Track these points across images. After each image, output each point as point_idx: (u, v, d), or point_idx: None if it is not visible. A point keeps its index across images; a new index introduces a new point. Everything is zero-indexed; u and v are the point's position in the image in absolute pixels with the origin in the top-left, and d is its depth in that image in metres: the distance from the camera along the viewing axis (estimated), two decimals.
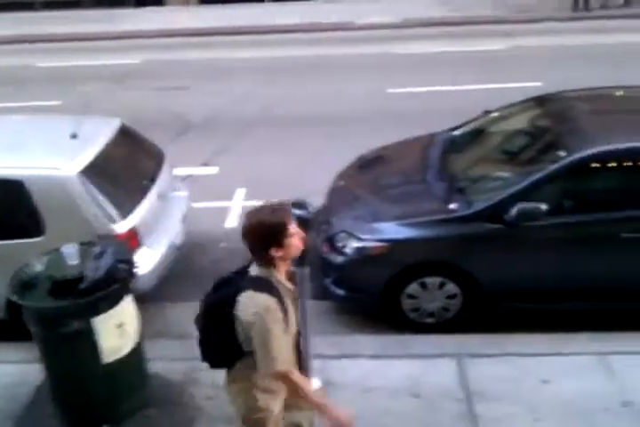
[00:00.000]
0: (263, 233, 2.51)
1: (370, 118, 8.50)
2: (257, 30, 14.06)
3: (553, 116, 5.30)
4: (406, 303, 4.64)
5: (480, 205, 4.48)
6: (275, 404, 2.78)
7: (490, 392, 3.92)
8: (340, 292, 4.74)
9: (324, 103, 9.36)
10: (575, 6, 14.14)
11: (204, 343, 2.77)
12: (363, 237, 4.60)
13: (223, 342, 2.64)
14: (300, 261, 3.63)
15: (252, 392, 2.71)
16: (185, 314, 4.74)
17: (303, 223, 2.92)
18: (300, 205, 3.39)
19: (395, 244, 4.53)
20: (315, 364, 3.98)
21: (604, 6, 14.21)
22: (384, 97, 9.56)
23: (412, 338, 4.51)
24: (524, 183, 4.42)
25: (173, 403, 3.93)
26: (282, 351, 2.56)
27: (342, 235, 4.69)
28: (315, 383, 3.35)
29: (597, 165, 4.47)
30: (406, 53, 11.80)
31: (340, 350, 4.33)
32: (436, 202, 4.73)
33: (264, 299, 2.51)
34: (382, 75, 10.54)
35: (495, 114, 5.71)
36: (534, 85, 8.55)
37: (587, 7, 14.08)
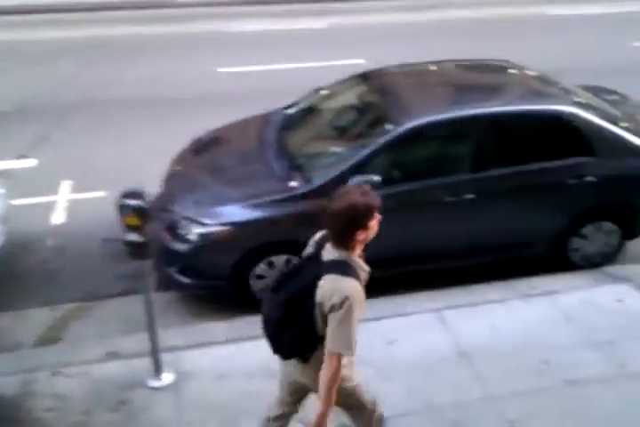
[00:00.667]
0: (355, 215, 2.49)
1: (202, 99, 8.29)
2: (73, 7, 13.05)
3: (378, 91, 5.51)
4: (255, 284, 4.64)
5: (318, 181, 4.56)
6: (352, 373, 2.80)
7: None
8: (187, 280, 4.61)
9: (153, 85, 8.98)
10: None
11: (277, 336, 2.66)
12: (205, 221, 4.49)
13: (301, 330, 2.58)
14: (142, 253, 3.47)
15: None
16: (18, 323, 4.38)
17: (141, 214, 2.76)
18: (134, 194, 3.20)
19: (239, 226, 4.48)
20: (167, 357, 3.87)
21: None
22: (215, 77, 9.38)
23: None
24: (358, 157, 4.57)
25: (8, 421, 3.57)
26: (354, 336, 2.49)
27: (184, 222, 4.55)
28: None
29: (421, 135, 4.72)
30: (233, 32, 11.66)
31: (192, 340, 4.23)
32: (276, 181, 4.73)
33: (350, 282, 2.48)
34: (211, 54, 10.33)
35: (325, 91, 5.82)
36: (358, 62, 8.87)
37: None
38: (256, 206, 4.54)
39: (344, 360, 2.55)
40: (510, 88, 5.67)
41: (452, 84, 5.73)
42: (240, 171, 5.04)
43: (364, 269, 2.64)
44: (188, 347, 4.17)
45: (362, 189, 2.61)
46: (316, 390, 2.69)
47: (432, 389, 3.81)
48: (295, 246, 4.50)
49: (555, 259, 5.14)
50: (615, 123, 5.04)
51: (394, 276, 4.85)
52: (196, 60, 10.06)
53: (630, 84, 6.65)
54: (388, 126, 4.72)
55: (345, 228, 2.52)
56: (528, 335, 4.29)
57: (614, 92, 6.08)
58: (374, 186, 4.42)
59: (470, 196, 4.68)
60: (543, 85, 5.56)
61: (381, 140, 4.62)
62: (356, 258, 2.61)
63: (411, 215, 4.71)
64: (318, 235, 2.79)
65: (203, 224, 4.49)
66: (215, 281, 4.62)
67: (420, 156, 4.94)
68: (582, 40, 11.21)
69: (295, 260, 4.56)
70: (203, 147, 5.56)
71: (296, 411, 3.08)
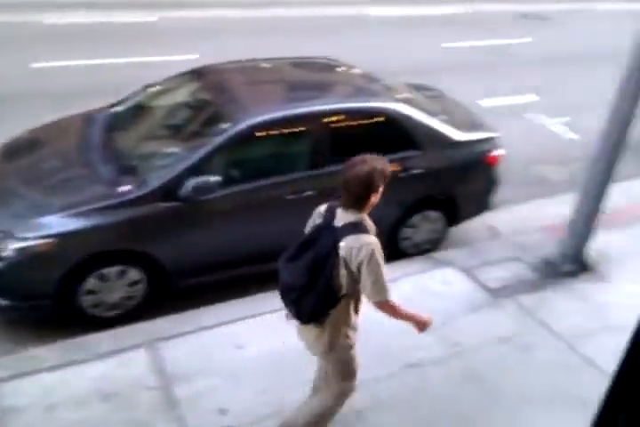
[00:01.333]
0: (373, 179, 2.79)
1: (14, 98, 7.45)
2: None
3: (212, 88, 5.29)
4: (85, 300, 4.23)
5: (153, 184, 4.26)
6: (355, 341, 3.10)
7: (187, 371, 3.85)
8: (4, 302, 4.08)
9: None
10: None
11: (301, 301, 2.86)
12: (24, 235, 3.99)
13: (323, 294, 2.81)
14: None
15: (344, 332, 2.99)
16: None
17: None
18: None
19: (63, 238, 4.03)
20: None
21: None
22: (30, 73, 8.52)
23: (96, 336, 4.13)
24: (194, 157, 4.34)
25: None
26: (387, 282, 2.82)
27: None
28: None
29: (258, 134, 4.59)
30: (50, 24, 10.71)
31: (15, 370, 3.75)
32: (105, 186, 4.34)
33: (370, 238, 2.81)
34: (25, 47, 9.37)
35: (155, 88, 5.48)
36: (191, 58, 8.55)
37: None
38: (81, 215, 4.11)
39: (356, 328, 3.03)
40: (339, 86, 5.76)
41: (284, 82, 5.68)
42: (61, 177, 4.55)
43: (373, 228, 2.94)
44: (11, 377, 3.69)
45: (373, 155, 2.90)
46: (324, 357, 3.10)
47: (283, 390, 3.72)
48: (128, 255, 4.27)
49: (388, 248, 5.29)
50: (435, 117, 5.30)
51: (245, 276, 4.71)
52: (6, 54, 9.06)
53: (444, 81, 7.08)
54: (225, 125, 4.54)
55: (364, 191, 2.82)
56: (370, 322, 4.35)
57: (432, 89, 6.41)
58: (213, 187, 4.28)
59: (310, 193, 4.65)
60: (368, 83, 5.69)
61: (218, 139, 4.43)
62: (367, 219, 2.92)
63: (255, 214, 4.60)
64: (322, 207, 3.07)
65: (20, 238, 3.98)
66: (38, 301, 4.14)
67: (259, 154, 4.82)
68: (400, 41, 11.78)
69: (128, 269, 4.28)
70: (15, 151, 4.97)
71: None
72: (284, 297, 2.94)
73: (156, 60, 9.09)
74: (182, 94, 5.30)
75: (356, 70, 5.89)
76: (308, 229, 3.10)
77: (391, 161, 4.91)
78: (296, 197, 4.63)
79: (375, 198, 2.87)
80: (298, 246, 2.92)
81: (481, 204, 5.65)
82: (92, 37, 10.13)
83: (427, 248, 5.49)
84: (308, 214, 4.78)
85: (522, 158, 6.89)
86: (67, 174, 4.55)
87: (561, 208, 5.96)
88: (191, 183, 4.20)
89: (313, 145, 4.76)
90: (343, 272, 2.80)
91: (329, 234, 2.84)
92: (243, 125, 4.47)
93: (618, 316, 4.71)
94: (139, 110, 5.29)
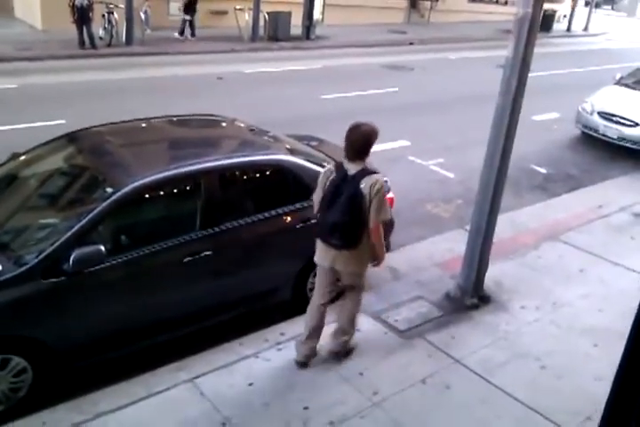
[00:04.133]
0: (373, 135, 3.94)
1: None
2: None
3: (89, 152, 5.02)
4: None
5: (30, 260, 3.87)
6: None
7: None
8: None
9: None
10: (82, 44, 14.22)
11: (346, 232, 3.95)
12: None
13: (360, 223, 3.93)
14: None
15: (368, 254, 4.15)
16: None
17: None
18: None
19: None
20: None
21: (109, 45, 14.71)
22: None
23: None
24: (76, 227, 4.01)
25: None
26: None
27: None
28: None
29: (144, 196, 4.37)
30: None
31: None
32: None
33: (378, 175, 3.97)
34: None
35: (25, 156, 5.10)
36: (58, 123, 8.18)
37: (93, 45, 14.32)
38: None
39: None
40: (226, 141, 5.71)
41: (168, 141, 5.52)
42: None
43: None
44: None
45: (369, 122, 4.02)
46: (356, 273, 4.25)
47: None
48: (10, 342, 3.79)
49: (297, 301, 5.17)
50: (322, 165, 5.29)
51: (141, 350, 4.38)
52: None
53: (324, 130, 7.23)
54: (108, 189, 4.27)
55: (367, 144, 3.95)
56: (288, 384, 4.23)
57: (317, 139, 6.49)
58: (100, 257, 3.95)
59: (207, 253, 4.46)
60: (255, 136, 5.66)
61: (101, 205, 4.12)
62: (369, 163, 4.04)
63: (148, 282, 4.31)
64: (329, 166, 4.22)
65: None
66: None
67: (148, 217, 4.60)
68: (284, 93, 12.10)
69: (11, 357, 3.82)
70: None
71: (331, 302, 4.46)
72: (331, 233, 4.01)
73: (20, 127, 8.58)
74: (56, 161, 4.97)
75: (241, 124, 5.85)
76: (321, 187, 4.13)
77: (288, 213, 4.95)
78: (193, 260, 4.41)
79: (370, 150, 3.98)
80: (330, 196, 4.00)
81: None
82: None
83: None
84: (209, 276, 4.62)
85: (409, 199, 7.10)
86: None
87: (453, 244, 6.18)
88: (74, 255, 3.85)
89: (205, 203, 4.56)
90: (367, 206, 3.90)
91: (350, 181, 3.95)
92: (127, 189, 4.21)
93: (522, 343, 4.84)
94: (8, 181, 4.88)
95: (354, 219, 3.91)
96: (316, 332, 4.44)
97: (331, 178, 4.04)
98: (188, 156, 4.87)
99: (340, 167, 4.04)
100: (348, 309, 4.47)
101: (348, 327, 4.50)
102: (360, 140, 3.92)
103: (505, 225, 5.32)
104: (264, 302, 5.08)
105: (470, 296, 5.28)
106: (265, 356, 4.51)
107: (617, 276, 6.04)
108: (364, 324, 4.92)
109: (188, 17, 16.49)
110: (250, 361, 4.45)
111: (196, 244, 4.45)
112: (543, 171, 9.16)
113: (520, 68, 4.65)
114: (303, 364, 4.44)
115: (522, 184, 8.44)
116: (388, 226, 5.60)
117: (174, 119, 5.84)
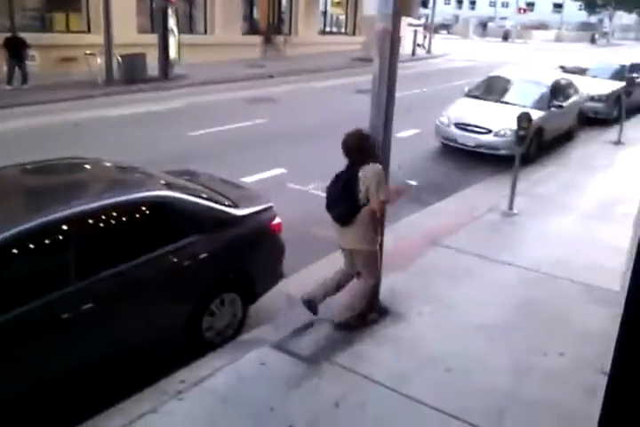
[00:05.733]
0: (365, 137, 4.83)
1: None
2: None
3: None
4: None
5: None
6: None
7: None
8: None
9: None
10: None
11: (340, 209, 4.87)
12: None
13: (351, 202, 4.79)
14: None
15: (370, 229, 4.91)
16: None
17: None
18: None
19: None
20: None
21: None
22: None
23: None
24: None
25: None
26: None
27: None
28: None
29: (11, 250, 3.96)
30: None
31: None
32: None
33: (378, 165, 4.78)
34: None
35: None
36: None
37: None
38: None
39: None
40: (94, 182, 5.30)
41: (26, 190, 5.04)
42: None
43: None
44: None
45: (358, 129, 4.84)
46: (359, 248, 5.01)
47: None
48: None
49: (192, 345, 4.91)
50: (204, 198, 5.12)
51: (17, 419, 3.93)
52: None
53: (196, 166, 7.09)
54: None
55: (360, 146, 4.78)
56: None
57: (194, 173, 6.30)
58: None
59: (88, 305, 4.12)
60: (126, 174, 5.39)
61: None
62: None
63: (24, 345, 3.91)
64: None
65: None
66: None
67: (16, 274, 4.14)
68: (149, 134, 11.79)
69: None
70: None
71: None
72: (330, 209, 4.93)
73: None
74: None
75: (108, 163, 5.50)
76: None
77: (173, 251, 4.69)
78: (74, 314, 4.06)
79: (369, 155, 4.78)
80: (333, 181, 4.92)
81: (274, 274, 5.54)
82: None
83: (230, 333, 5.17)
84: (93, 329, 4.24)
85: (295, 224, 7.05)
86: None
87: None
88: None
89: (80, 252, 4.21)
90: (362, 188, 4.67)
91: (350, 170, 4.78)
92: None
93: (425, 349, 4.90)
94: None
95: (345, 197, 4.74)
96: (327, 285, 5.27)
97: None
98: (50, 204, 4.41)
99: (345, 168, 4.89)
100: (355, 286, 5.18)
101: (351, 303, 5.13)
102: (347, 146, 4.75)
103: (387, 238, 5.43)
104: (157, 351, 4.78)
105: (369, 312, 5.29)
106: (167, 409, 4.16)
107: (498, 271, 6.35)
108: (267, 355, 4.76)
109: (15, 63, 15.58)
110: (147, 419, 4.06)
111: (73, 297, 4.10)
112: (414, 183, 9.54)
113: (387, 81, 4.88)
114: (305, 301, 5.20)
115: None
116: (279, 252, 5.53)
117: (28, 166, 5.33)
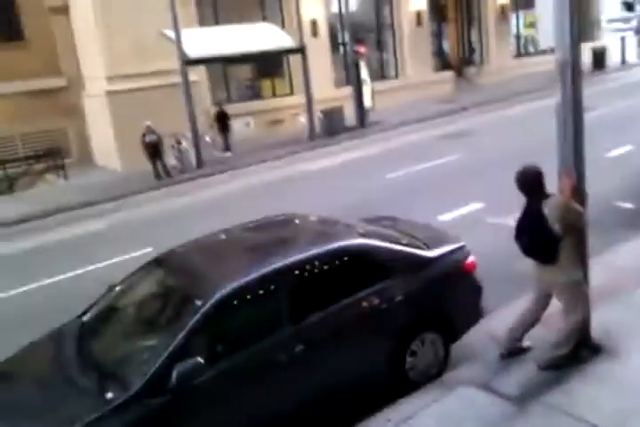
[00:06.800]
0: (541, 175, 4.76)
1: None
2: None
3: (176, 272, 5.38)
4: None
5: (137, 382, 4.10)
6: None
7: None
8: None
9: None
10: (157, 176, 15.39)
11: (536, 252, 4.80)
12: None
13: (546, 243, 4.66)
14: None
15: (570, 268, 4.74)
16: None
17: None
18: None
19: None
20: None
21: (182, 171, 15.84)
22: None
23: None
24: (173, 344, 4.25)
25: None
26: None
27: None
28: None
29: (232, 303, 4.59)
30: None
31: None
32: (89, 398, 4.15)
33: (561, 198, 4.68)
34: None
35: (120, 286, 5.51)
36: (147, 252, 8.74)
37: (168, 174, 15.47)
38: None
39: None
40: (300, 236, 5.92)
41: (246, 246, 5.80)
42: (40, 399, 4.32)
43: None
44: None
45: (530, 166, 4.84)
46: (561, 289, 4.86)
47: None
48: None
49: (397, 384, 5.09)
50: (398, 243, 5.41)
51: None
52: None
53: (395, 206, 7.36)
54: (197, 302, 4.53)
55: (536, 183, 4.77)
56: None
57: (387, 218, 6.62)
58: (199, 370, 4.13)
59: (300, 347, 4.56)
60: (328, 227, 5.89)
61: (194, 318, 4.38)
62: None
63: (250, 387, 4.42)
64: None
65: None
66: None
67: (238, 323, 4.76)
68: (349, 181, 12.53)
69: None
70: None
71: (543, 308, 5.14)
72: (527, 253, 4.89)
73: (114, 261, 9.24)
74: (148, 286, 5.34)
75: (313, 218, 6.10)
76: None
77: (369, 295, 5.01)
78: (288, 356, 4.54)
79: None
80: (518, 222, 4.91)
81: (473, 313, 5.56)
82: (43, 257, 10.33)
83: (434, 373, 5.27)
84: (305, 370, 4.64)
85: (495, 260, 6.95)
86: (45, 396, 4.32)
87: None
88: (176, 372, 4.05)
89: (290, 299, 4.73)
90: (552, 224, 4.62)
91: (531, 209, 4.78)
92: (215, 299, 4.46)
93: None
94: (109, 312, 5.24)
95: (541, 240, 4.69)
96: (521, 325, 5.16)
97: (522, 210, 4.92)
98: (268, 257, 5.08)
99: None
100: (565, 323, 4.93)
101: (557, 342, 4.94)
102: (528, 182, 4.74)
103: (597, 267, 5.13)
104: (363, 390, 5.04)
105: (579, 349, 5.01)
106: None
107: None
108: (473, 395, 4.75)
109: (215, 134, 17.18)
110: None
111: (287, 340, 4.58)
112: (629, 206, 8.80)
113: (573, 113, 4.72)
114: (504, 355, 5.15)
115: (610, 224, 8.11)
116: (476, 290, 5.54)
117: (250, 225, 6.14)
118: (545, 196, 4.73)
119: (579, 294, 4.86)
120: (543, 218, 4.63)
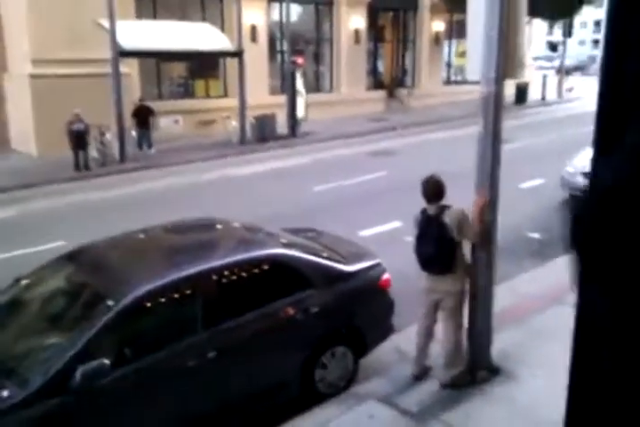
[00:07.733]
0: (443, 184, 4.98)
1: None
2: None
3: (88, 269, 5.21)
4: None
5: (37, 381, 3.94)
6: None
7: None
8: None
9: None
10: (77, 167, 14.84)
11: (436, 262, 4.94)
12: None
13: (447, 252, 4.88)
14: None
15: (462, 277, 5.04)
16: None
17: None
18: None
19: None
20: None
21: (103, 164, 15.34)
22: None
23: None
24: (79, 344, 4.12)
25: None
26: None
27: None
28: None
29: (145, 305, 4.50)
30: None
31: None
32: None
33: (457, 207, 4.92)
34: None
35: (27, 280, 5.27)
36: (59, 245, 8.41)
37: (87, 167, 14.94)
38: None
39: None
40: (221, 241, 5.90)
41: (164, 248, 5.72)
42: None
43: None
44: None
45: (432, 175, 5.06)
46: (453, 296, 5.02)
47: None
48: None
49: (306, 395, 5.14)
50: (318, 255, 5.49)
51: None
52: None
53: (321, 219, 7.47)
54: (109, 302, 4.40)
55: (439, 190, 4.96)
56: None
57: (311, 230, 6.71)
58: (104, 372, 4.01)
59: (212, 354, 4.51)
60: (250, 234, 5.88)
61: (102, 319, 4.26)
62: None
63: (156, 391, 4.34)
64: (416, 214, 5.09)
65: None
66: None
67: (150, 326, 4.69)
68: (277, 189, 12.57)
69: None
70: None
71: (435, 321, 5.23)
72: (427, 265, 4.98)
73: (20, 253, 8.84)
74: (57, 281, 5.15)
75: (235, 224, 6.07)
76: (415, 226, 5.06)
77: (287, 305, 5.03)
78: (199, 362, 4.48)
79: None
80: (420, 233, 4.98)
81: (384, 328, 5.70)
82: None
83: (342, 385, 5.35)
84: (217, 377, 4.60)
85: (408, 279, 7.13)
86: None
87: None
88: (80, 372, 3.92)
89: (205, 304, 4.68)
90: (455, 233, 4.80)
91: (433, 218, 4.89)
92: (127, 300, 4.36)
93: (539, 413, 4.74)
94: (12, 307, 5.01)
95: (443, 250, 4.83)
96: (422, 351, 5.26)
97: (418, 220, 5.01)
98: (185, 260, 5.04)
99: (423, 212, 5.01)
100: (444, 339, 5.13)
101: (448, 360, 5.09)
102: (432, 188, 4.92)
103: (505, 293, 5.39)
104: (273, 400, 5.06)
105: (479, 370, 5.24)
106: None
107: None
108: (376, 409, 4.86)
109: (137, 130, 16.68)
110: None
111: (199, 346, 4.53)
112: (537, 236, 9.30)
113: (492, 145, 4.93)
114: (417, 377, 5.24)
115: (519, 252, 8.54)
116: (388, 307, 5.69)
117: (169, 226, 6.08)
118: (445, 206, 4.91)
119: (463, 302, 5.10)
120: (444, 227, 4.79)
